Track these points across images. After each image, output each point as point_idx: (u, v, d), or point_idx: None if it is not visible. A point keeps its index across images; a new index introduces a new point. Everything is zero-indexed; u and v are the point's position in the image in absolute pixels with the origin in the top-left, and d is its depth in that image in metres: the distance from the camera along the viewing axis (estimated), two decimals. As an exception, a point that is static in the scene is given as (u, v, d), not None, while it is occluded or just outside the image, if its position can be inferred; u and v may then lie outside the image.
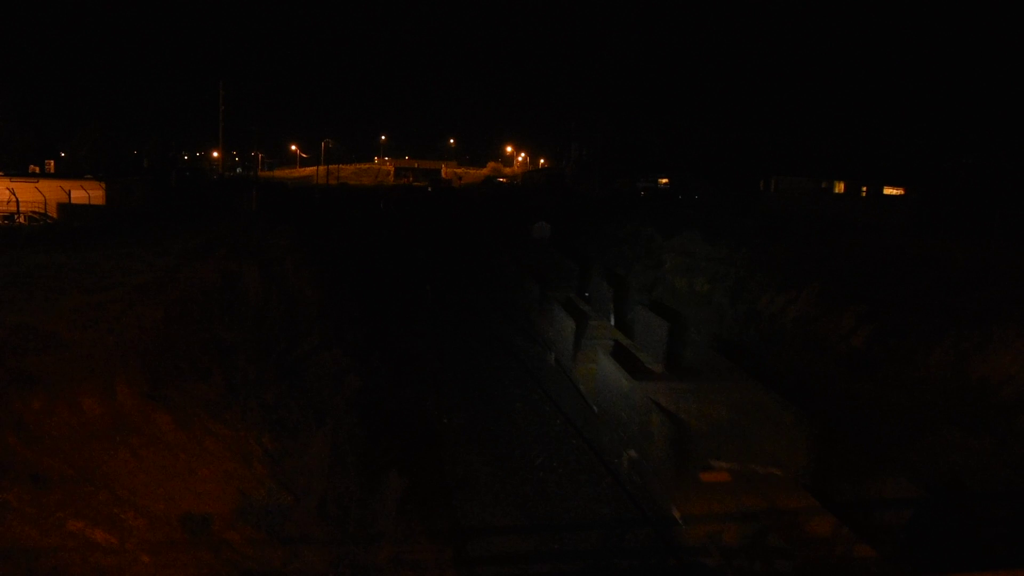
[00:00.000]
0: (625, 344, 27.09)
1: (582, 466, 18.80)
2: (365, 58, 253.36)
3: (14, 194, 44.19)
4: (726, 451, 17.72)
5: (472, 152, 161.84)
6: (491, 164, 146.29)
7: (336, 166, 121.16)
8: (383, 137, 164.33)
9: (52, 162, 60.75)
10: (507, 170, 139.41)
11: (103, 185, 48.41)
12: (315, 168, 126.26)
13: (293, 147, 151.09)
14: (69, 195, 46.68)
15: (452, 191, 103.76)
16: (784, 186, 57.23)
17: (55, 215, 44.29)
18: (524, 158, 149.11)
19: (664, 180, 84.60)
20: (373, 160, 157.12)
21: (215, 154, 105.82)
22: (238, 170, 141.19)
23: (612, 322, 31.61)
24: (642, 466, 17.87)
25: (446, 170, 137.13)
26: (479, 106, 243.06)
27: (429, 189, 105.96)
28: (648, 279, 36.95)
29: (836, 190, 52.95)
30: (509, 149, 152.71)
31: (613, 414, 20.60)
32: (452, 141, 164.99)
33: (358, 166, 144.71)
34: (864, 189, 50.01)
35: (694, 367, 24.65)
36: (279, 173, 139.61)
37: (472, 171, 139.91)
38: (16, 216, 42.78)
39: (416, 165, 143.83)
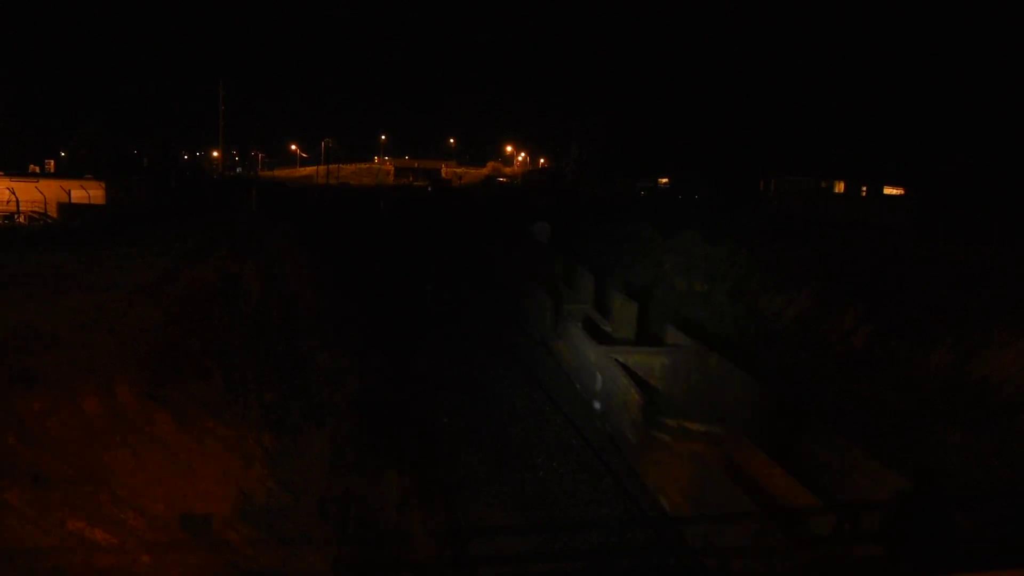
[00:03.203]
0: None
1: (582, 466, 18.81)
2: (365, 58, 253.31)
3: (14, 194, 44.16)
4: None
5: (472, 152, 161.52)
6: (491, 164, 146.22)
7: (336, 166, 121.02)
8: (383, 137, 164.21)
9: (52, 162, 60.83)
10: (507, 170, 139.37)
11: (103, 185, 48.43)
12: (315, 168, 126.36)
13: (293, 147, 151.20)
14: (69, 195, 46.66)
15: (452, 191, 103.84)
16: (784, 186, 57.22)
17: (55, 215, 44.24)
18: (524, 158, 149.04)
19: (664, 180, 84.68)
20: (373, 160, 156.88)
21: (215, 154, 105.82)
22: (238, 169, 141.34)
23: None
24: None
25: (446, 170, 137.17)
26: (479, 106, 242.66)
27: (429, 189, 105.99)
28: (648, 279, 36.97)
29: (836, 190, 52.92)
30: (509, 149, 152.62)
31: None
32: (452, 141, 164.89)
33: (358, 166, 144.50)
34: (864, 189, 49.99)
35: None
36: (279, 173, 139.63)
37: (472, 171, 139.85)
38: (16, 216, 42.74)
39: (416, 165, 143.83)
